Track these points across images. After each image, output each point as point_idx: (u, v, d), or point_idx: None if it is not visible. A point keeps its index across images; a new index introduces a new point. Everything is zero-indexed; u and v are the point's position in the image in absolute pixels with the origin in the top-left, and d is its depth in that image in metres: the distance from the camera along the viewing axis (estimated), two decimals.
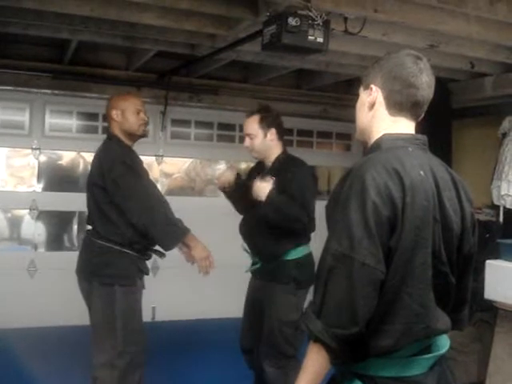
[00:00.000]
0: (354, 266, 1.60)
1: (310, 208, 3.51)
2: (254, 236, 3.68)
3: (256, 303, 3.72)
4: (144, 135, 3.64)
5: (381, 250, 1.62)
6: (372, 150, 1.85)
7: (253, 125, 3.67)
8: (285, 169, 3.61)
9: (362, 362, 1.70)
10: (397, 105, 1.85)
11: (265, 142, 3.66)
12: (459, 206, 1.82)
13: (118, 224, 3.38)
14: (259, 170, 3.84)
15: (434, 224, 1.72)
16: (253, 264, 3.77)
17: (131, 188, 3.33)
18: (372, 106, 1.89)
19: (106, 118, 3.60)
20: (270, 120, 3.68)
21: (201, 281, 4.53)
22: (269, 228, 3.52)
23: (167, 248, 3.40)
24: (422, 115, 1.92)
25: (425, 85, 1.85)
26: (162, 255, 3.55)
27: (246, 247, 3.78)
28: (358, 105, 1.96)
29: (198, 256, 3.38)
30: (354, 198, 1.65)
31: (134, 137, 3.57)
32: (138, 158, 3.57)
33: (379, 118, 1.88)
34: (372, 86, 1.88)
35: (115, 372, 3.35)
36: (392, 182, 1.66)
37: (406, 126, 1.88)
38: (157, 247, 3.50)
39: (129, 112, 3.52)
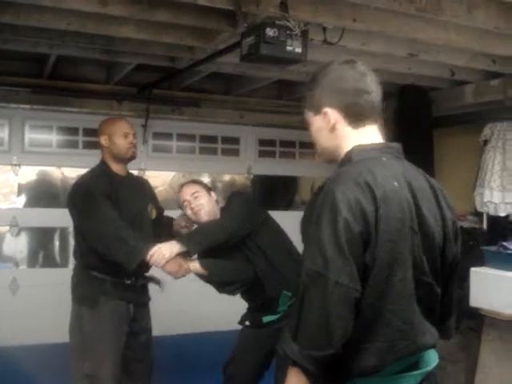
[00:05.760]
0: (327, 285, 1.56)
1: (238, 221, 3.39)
2: (275, 271, 3.41)
3: (266, 351, 3.46)
4: (133, 157, 3.59)
5: (355, 268, 1.57)
6: (343, 163, 1.79)
7: (194, 186, 3.60)
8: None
9: (348, 382, 1.65)
10: (357, 116, 1.80)
11: (210, 201, 3.55)
12: (440, 215, 1.78)
13: (83, 247, 3.45)
14: None
15: (412, 236, 1.67)
16: (268, 314, 3.47)
17: (85, 212, 3.36)
18: (333, 127, 1.82)
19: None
20: (206, 184, 3.73)
21: (189, 294, 4.49)
22: (286, 252, 3.42)
23: (129, 266, 3.31)
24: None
25: (373, 86, 1.81)
26: (159, 284, 3.55)
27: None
28: (315, 130, 1.87)
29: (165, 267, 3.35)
30: (325, 215, 1.61)
31: (123, 160, 3.57)
32: (113, 183, 3.51)
33: (344, 136, 1.81)
34: (325, 109, 1.81)
35: None
36: (363, 196, 1.61)
37: (372, 133, 1.83)
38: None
39: (116, 136, 3.50)
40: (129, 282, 3.48)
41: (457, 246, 1.86)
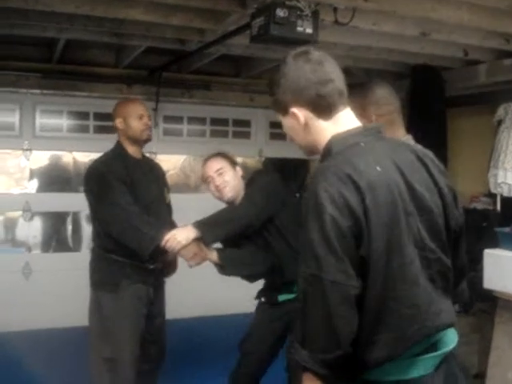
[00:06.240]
0: (324, 286, 1.53)
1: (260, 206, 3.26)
2: (294, 253, 3.17)
3: (281, 330, 3.45)
4: (148, 140, 3.58)
5: (349, 265, 1.54)
6: (324, 157, 1.74)
7: (218, 161, 3.42)
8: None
9: (365, 373, 1.64)
10: (326, 108, 1.75)
11: (236, 178, 3.41)
12: (433, 183, 1.73)
13: (100, 230, 3.46)
14: None
15: (407, 218, 1.63)
16: (284, 293, 3.40)
17: (101, 197, 3.36)
18: (305, 125, 1.77)
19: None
20: (231, 158, 3.51)
21: (198, 278, 4.47)
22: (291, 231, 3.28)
23: (143, 253, 3.29)
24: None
25: (333, 72, 1.76)
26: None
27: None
28: (288, 130, 1.84)
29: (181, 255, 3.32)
30: (311, 214, 1.57)
31: (139, 142, 3.56)
32: (129, 167, 3.49)
33: (319, 129, 1.77)
34: (291, 110, 1.77)
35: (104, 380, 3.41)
36: (346, 189, 1.56)
37: (346, 118, 1.78)
38: None
39: (131, 118, 3.49)
40: (152, 266, 3.47)
41: (458, 209, 1.81)
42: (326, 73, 1.74)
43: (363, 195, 1.56)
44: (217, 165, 3.40)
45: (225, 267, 3.35)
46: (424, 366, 1.66)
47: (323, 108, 1.75)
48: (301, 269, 1.60)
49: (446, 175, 1.81)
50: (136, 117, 3.49)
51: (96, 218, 3.49)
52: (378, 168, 1.63)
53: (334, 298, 1.53)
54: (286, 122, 1.82)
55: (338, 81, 1.76)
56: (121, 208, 3.30)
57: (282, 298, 3.43)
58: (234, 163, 3.49)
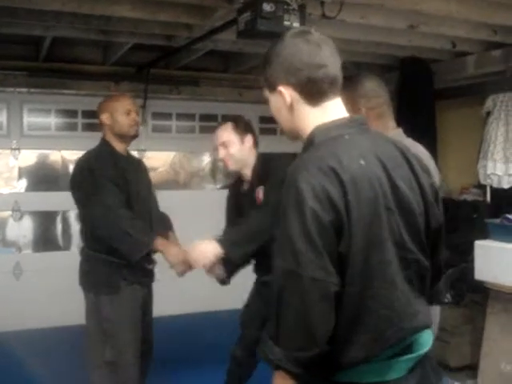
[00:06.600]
0: (303, 282, 1.47)
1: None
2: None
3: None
4: (136, 136, 3.51)
5: (329, 261, 1.49)
6: (306, 147, 1.69)
7: (226, 132, 3.33)
8: (266, 175, 3.28)
9: (338, 373, 1.59)
10: (315, 93, 1.69)
11: (242, 150, 3.32)
12: (416, 182, 1.68)
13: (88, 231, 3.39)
14: (238, 190, 3.51)
15: (387, 215, 1.57)
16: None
17: (88, 197, 3.29)
18: (290, 106, 1.71)
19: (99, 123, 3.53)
20: (243, 126, 3.38)
21: (191, 275, 4.47)
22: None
23: (132, 258, 3.24)
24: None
25: (330, 58, 1.69)
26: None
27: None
28: (274, 109, 1.78)
29: (171, 262, 3.26)
30: (291, 207, 1.51)
31: (126, 138, 3.48)
32: (118, 164, 3.43)
33: (304, 115, 1.71)
34: (279, 88, 1.71)
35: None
36: (329, 182, 1.51)
37: (334, 108, 1.72)
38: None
39: (118, 113, 3.41)
40: (150, 266, 3.43)
41: (439, 209, 1.76)
42: (322, 57, 1.68)
43: (346, 190, 1.52)
44: (224, 136, 3.34)
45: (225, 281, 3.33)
46: (398, 368, 1.61)
47: (312, 93, 1.69)
48: (276, 263, 1.54)
49: (429, 174, 1.77)
50: (123, 112, 3.42)
51: (84, 218, 3.43)
52: (361, 162, 1.58)
53: (313, 295, 1.48)
54: (272, 99, 1.77)
55: (334, 67, 1.70)
56: (109, 210, 3.23)
57: (265, 278, 3.38)
58: (245, 131, 3.36)
